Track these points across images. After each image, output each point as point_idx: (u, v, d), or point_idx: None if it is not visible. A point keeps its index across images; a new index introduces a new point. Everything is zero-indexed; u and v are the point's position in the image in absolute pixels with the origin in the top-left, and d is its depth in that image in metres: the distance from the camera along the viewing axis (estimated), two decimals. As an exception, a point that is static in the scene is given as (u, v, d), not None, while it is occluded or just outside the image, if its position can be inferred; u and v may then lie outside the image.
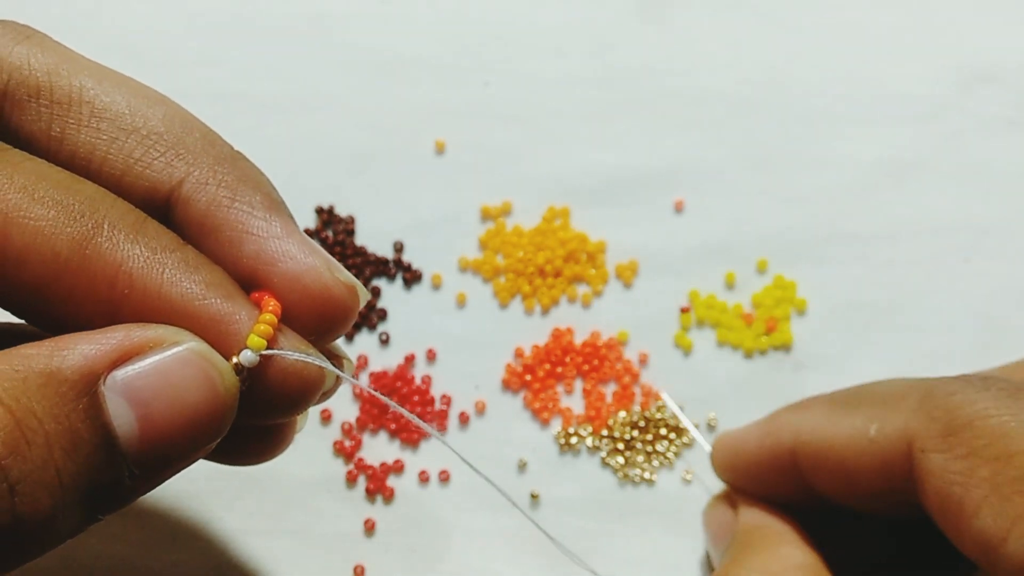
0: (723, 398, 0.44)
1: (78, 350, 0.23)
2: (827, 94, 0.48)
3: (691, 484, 0.43)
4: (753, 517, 0.35)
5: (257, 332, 0.25)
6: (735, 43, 0.49)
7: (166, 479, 0.25)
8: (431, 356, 0.45)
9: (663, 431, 0.43)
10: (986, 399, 0.27)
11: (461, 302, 0.45)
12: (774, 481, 0.35)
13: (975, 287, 0.46)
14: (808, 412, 0.33)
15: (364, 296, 0.28)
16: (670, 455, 0.43)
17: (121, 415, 0.23)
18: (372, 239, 0.46)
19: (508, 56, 0.48)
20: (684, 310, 0.45)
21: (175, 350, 0.24)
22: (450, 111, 0.47)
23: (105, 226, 0.24)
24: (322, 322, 0.27)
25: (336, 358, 0.29)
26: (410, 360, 0.44)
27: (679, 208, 0.47)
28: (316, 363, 0.26)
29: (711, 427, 0.44)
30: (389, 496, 0.43)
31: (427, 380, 0.44)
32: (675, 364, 0.45)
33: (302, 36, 0.48)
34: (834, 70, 0.48)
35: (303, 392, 0.26)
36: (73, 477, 0.22)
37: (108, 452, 0.23)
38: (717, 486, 0.41)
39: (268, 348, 0.25)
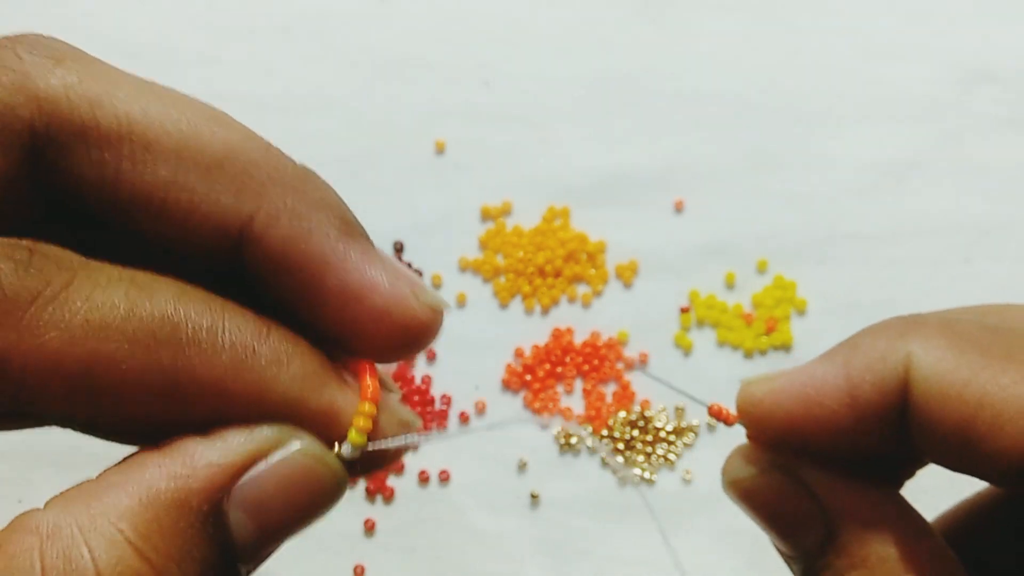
0: (723, 398, 0.44)
1: (201, 471, 0.23)
2: (827, 94, 0.48)
3: (691, 484, 0.43)
4: (889, 543, 0.25)
5: (356, 427, 0.25)
6: (735, 43, 0.49)
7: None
8: (431, 356, 0.45)
9: (663, 433, 0.43)
10: None
11: (461, 302, 0.45)
12: (855, 441, 0.25)
13: (975, 287, 0.45)
14: (927, 341, 0.25)
15: (446, 309, 0.29)
16: (671, 456, 0.43)
17: (241, 527, 0.23)
18: (372, 239, 0.46)
19: (508, 56, 0.48)
20: (684, 310, 0.45)
21: (286, 454, 0.24)
22: (450, 111, 0.47)
23: (191, 349, 0.23)
24: (407, 346, 0.27)
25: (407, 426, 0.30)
26: (410, 360, 0.44)
27: (679, 208, 0.46)
28: (412, 442, 0.26)
29: (711, 428, 0.44)
30: (389, 496, 0.43)
31: (427, 380, 0.44)
32: (675, 364, 0.45)
33: (302, 36, 0.48)
34: (834, 70, 0.48)
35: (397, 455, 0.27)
36: None
37: (229, 564, 0.23)
38: (714, 487, 0.41)
39: (369, 436, 0.25)
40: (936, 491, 0.30)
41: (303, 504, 0.24)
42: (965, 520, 0.29)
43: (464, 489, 0.43)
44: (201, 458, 0.23)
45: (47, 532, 0.21)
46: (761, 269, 0.46)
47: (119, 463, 0.23)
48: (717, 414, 0.28)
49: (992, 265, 0.46)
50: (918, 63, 0.48)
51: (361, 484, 0.43)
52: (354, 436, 0.25)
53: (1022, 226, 0.46)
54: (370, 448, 0.25)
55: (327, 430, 0.24)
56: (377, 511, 0.42)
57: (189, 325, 0.23)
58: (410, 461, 0.43)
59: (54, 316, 0.22)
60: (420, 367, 0.44)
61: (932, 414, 0.24)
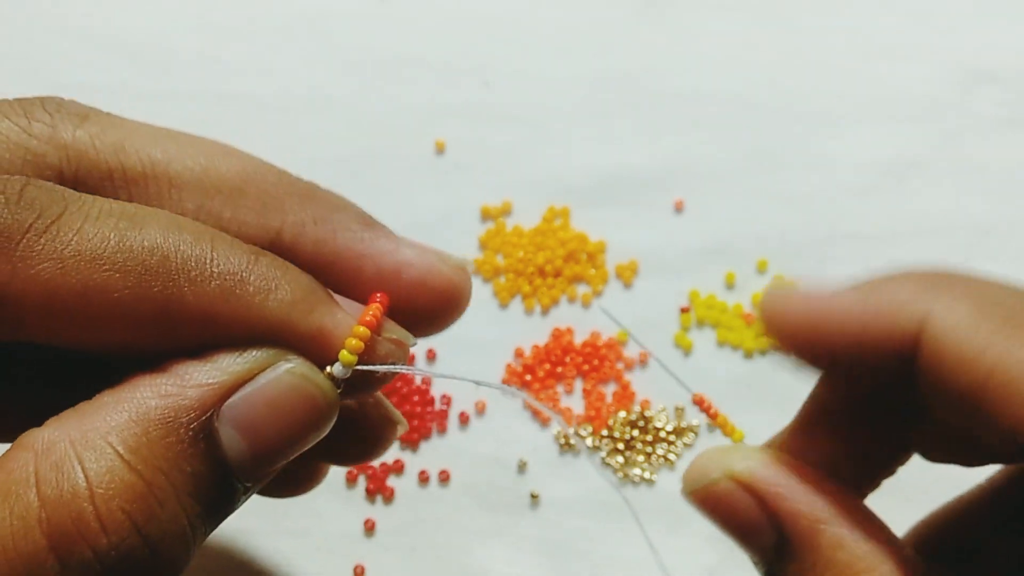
0: (723, 398, 0.44)
1: (191, 391, 0.24)
2: (827, 94, 0.48)
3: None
4: (842, 547, 0.26)
5: (348, 347, 0.25)
6: (735, 43, 0.49)
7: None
8: (431, 356, 0.45)
9: (663, 433, 0.43)
10: None
11: (461, 302, 0.45)
12: (860, 364, 0.26)
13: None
14: (951, 303, 0.25)
15: (471, 267, 0.30)
16: (671, 456, 0.43)
17: (234, 445, 0.24)
18: (372, 239, 0.46)
19: (508, 56, 0.48)
20: (684, 310, 0.45)
21: (276, 374, 0.25)
22: (450, 111, 0.47)
23: (181, 278, 0.24)
24: (449, 309, 0.29)
25: (391, 424, 0.31)
26: (410, 360, 0.44)
27: (679, 208, 0.47)
28: (402, 370, 0.27)
29: (710, 428, 0.44)
30: (389, 496, 0.43)
31: (427, 380, 0.44)
32: (675, 364, 0.45)
33: (302, 36, 0.48)
34: (834, 70, 0.48)
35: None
36: (200, 516, 0.24)
37: (225, 480, 0.24)
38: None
39: (360, 358, 0.26)
40: (930, 490, 0.30)
41: (294, 422, 0.25)
42: (954, 519, 0.29)
43: (464, 489, 0.43)
44: (191, 378, 0.24)
45: (42, 448, 0.22)
46: (761, 269, 0.46)
47: (114, 386, 0.23)
48: (699, 403, 0.30)
49: (992, 265, 0.46)
50: (918, 63, 0.48)
51: (361, 484, 0.43)
52: (345, 356, 0.25)
53: (1022, 226, 0.46)
54: (359, 368, 0.25)
55: (318, 352, 0.25)
56: (377, 511, 0.42)
57: (179, 255, 0.24)
58: (410, 461, 0.43)
59: (46, 247, 0.23)
60: (420, 367, 0.44)
61: (943, 374, 0.24)
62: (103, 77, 0.47)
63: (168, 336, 0.24)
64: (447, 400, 0.44)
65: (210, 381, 0.24)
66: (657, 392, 0.44)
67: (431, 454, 0.43)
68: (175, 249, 0.24)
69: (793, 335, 0.27)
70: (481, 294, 0.45)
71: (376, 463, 0.43)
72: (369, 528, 0.42)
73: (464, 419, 0.44)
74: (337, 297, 0.27)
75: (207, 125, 0.47)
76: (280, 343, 0.25)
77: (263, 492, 0.31)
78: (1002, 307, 0.24)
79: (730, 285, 0.46)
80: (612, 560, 0.42)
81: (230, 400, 0.24)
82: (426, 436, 0.44)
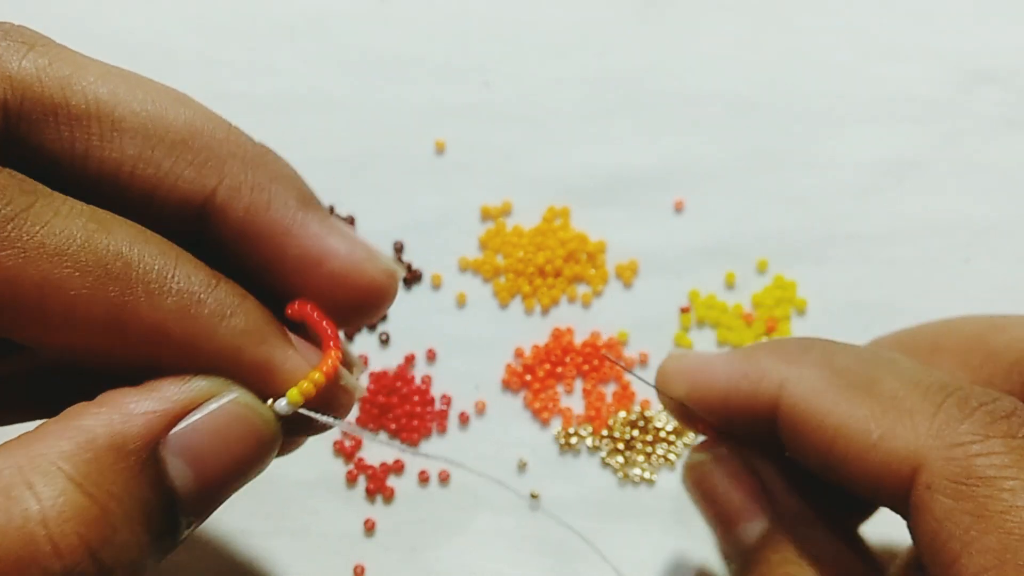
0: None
1: (137, 419, 0.23)
2: (827, 94, 0.48)
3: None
4: (787, 561, 0.29)
5: (300, 389, 0.25)
6: (735, 43, 0.49)
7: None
8: (431, 356, 0.45)
9: (663, 433, 0.43)
10: (1010, 456, 0.25)
11: (461, 302, 0.45)
12: (734, 422, 0.31)
13: (975, 287, 0.46)
14: (803, 371, 0.29)
15: (401, 274, 0.29)
16: (671, 456, 0.43)
17: (180, 474, 0.24)
18: (372, 239, 0.46)
19: (508, 56, 0.48)
20: (684, 310, 0.45)
21: (221, 403, 0.25)
22: (450, 111, 0.47)
23: (139, 287, 0.24)
24: (365, 309, 0.28)
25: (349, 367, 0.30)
26: (410, 360, 0.44)
27: (679, 208, 0.47)
28: (339, 425, 0.27)
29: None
30: (389, 496, 0.43)
31: (427, 380, 0.44)
32: (675, 364, 0.45)
33: (302, 36, 0.48)
34: (834, 70, 0.48)
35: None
36: (148, 547, 0.23)
37: (171, 511, 0.24)
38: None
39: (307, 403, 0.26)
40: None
41: (239, 452, 0.25)
42: None
43: (464, 489, 0.43)
44: (136, 406, 0.23)
45: None
46: (761, 269, 0.46)
47: (56, 417, 0.23)
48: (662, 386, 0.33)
49: (992, 265, 0.46)
50: (918, 63, 0.48)
51: (361, 484, 0.43)
52: (294, 394, 0.25)
53: (1022, 226, 0.46)
54: (301, 411, 0.25)
55: (261, 385, 0.25)
56: (377, 511, 0.42)
57: (141, 265, 0.24)
58: (410, 461, 0.43)
59: (11, 235, 0.22)
60: (420, 367, 0.44)
61: (798, 435, 0.28)
62: (103, 77, 0.47)
63: (117, 345, 0.24)
64: (447, 400, 0.44)
65: (156, 409, 0.24)
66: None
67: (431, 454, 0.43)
68: (139, 259, 0.24)
69: (679, 399, 0.32)
70: (481, 294, 0.45)
71: (376, 463, 0.43)
72: (369, 528, 0.42)
73: (464, 419, 0.44)
74: (291, 336, 0.27)
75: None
76: (225, 372, 0.25)
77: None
78: (847, 373, 0.28)
79: (730, 285, 0.46)
80: (612, 560, 0.42)
81: (176, 428, 0.24)
82: (426, 436, 0.44)
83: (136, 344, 0.24)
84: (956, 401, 0.26)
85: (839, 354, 0.29)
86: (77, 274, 0.23)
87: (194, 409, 0.24)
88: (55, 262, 0.23)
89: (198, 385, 0.24)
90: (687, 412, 0.32)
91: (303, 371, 0.26)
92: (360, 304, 0.28)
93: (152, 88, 0.27)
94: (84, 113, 0.25)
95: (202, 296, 0.24)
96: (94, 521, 0.22)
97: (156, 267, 0.24)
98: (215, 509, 0.25)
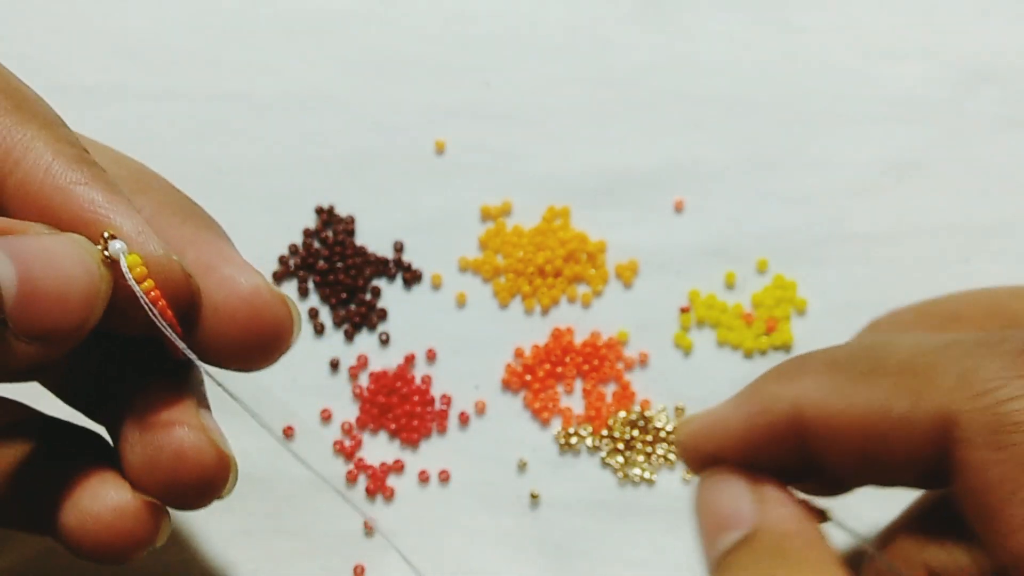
0: (723, 398, 0.44)
1: None
2: (827, 94, 0.48)
3: (691, 484, 0.43)
4: (786, 518, 0.28)
5: (139, 254, 0.25)
6: (735, 43, 0.49)
7: (47, 356, 0.25)
8: (431, 356, 0.45)
9: (663, 433, 0.43)
10: None
11: (461, 302, 0.45)
12: (768, 464, 0.30)
13: (975, 287, 0.45)
14: (808, 381, 0.28)
15: (299, 320, 0.28)
16: (671, 456, 0.43)
17: (3, 271, 0.23)
18: (372, 239, 0.46)
19: (508, 56, 0.48)
20: (684, 310, 0.45)
21: (57, 234, 0.25)
22: (450, 111, 0.47)
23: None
24: (260, 335, 0.27)
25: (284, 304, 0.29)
26: (410, 360, 0.44)
27: (679, 208, 0.47)
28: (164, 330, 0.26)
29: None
30: (389, 496, 0.43)
31: (427, 380, 0.44)
32: (675, 364, 0.45)
33: (302, 36, 0.48)
34: (834, 70, 0.48)
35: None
36: None
37: None
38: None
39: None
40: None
41: (67, 277, 0.24)
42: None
43: (464, 489, 0.43)
44: None
45: None
46: (761, 269, 0.46)
47: None
48: None
49: (992, 265, 0.46)
50: (918, 63, 0.48)
51: (361, 484, 0.43)
52: (133, 258, 0.25)
53: (1022, 226, 0.46)
54: (133, 286, 0.25)
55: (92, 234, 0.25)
56: (377, 511, 0.42)
57: (14, 89, 0.26)
58: (410, 461, 0.43)
59: None
60: (420, 367, 0.44)
61: (830, 446, 0.27)
62: (103, 77, 0.47)
63: None
64: (447, 400, 0.44)
65: None
66: (657, 392, 0.44)
67: (431, 454, 0.43)
68: (20, 87, 0.25)
69: (707, 465, 0.30)
70: (481, 294, 0.45)
71: (376, 463, 0.43)
72: (369, 528, 0.42)
73: (464, 419, 0.44)
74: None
75: (207, 125, 0.47)
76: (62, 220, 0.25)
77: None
78: (851, 366, 0.27)
79: (730, 285, 0.46)
80: (612, 560, 0.42)
81: (6, 236, 0.24)
82: (426, 436, 0.44)
83: None
84: (970, 349, 0.25)
85: (837, 353, 0.29)
86: None
87: (26, 233, 0.24)
88: None
89: (32, 225, 0.25)
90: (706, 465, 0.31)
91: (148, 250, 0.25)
92: (255, 323, 0.27)
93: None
94: None
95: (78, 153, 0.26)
96: None
97: (34, 97, 0.26)
98: (43, 345, 0.24)
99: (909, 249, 0.46)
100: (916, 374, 0.26)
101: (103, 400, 0.28)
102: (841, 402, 0.27)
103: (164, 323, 0.25)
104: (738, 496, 0.29)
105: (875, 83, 0.48)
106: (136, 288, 0.25)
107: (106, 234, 0.25)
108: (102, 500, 0.27)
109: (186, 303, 0.26)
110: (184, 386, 0.27)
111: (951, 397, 0.25)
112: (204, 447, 0.26)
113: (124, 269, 0.25)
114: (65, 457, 0.28)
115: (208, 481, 0.27)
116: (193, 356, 0.26)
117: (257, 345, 0.27)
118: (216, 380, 0.26)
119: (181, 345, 0.25)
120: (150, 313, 0.25)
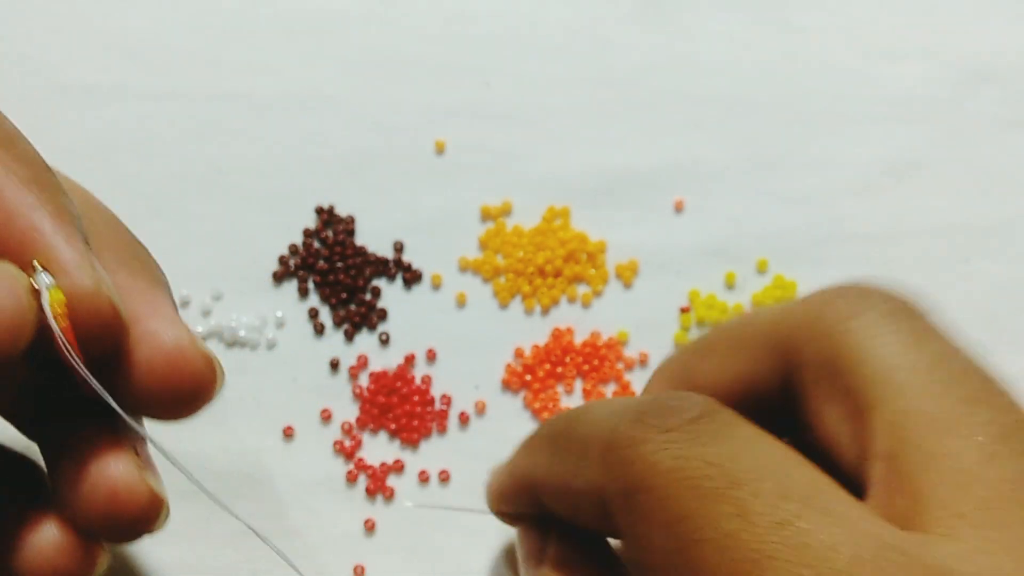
0: (723, 398, 0.44)
1: None
2: (827, 94, 0.48)
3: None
4: (562, 559, 0.32)
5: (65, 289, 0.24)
6: (735, 43, 0.49)
7: None
8: (431, 356, 0.45)
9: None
10: (664, 445, 0.24)
11: (461, 302, 0.45)
12: (530, 512, 0.34)
13: (975, 287, 0.46)
14: (536, 455, 0.32)
15: (222, 377, 0.28)
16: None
17: None
18: (372, 239, 0.46)
19: (508, 56, 0.48)
20: (684, 310, 0.45)
21: None
22: (450, 111, 0.47)
23: None
24: (177, 391, 0.26)
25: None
26: (410, 360, 0.44)
27: (679, 208, 0.47)
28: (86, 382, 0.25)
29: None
30: (389, 496, 0.43)
31: (427, 380, 0.44)
32: (675, 364, 0.45)
33: (302, 36, 0.48)
34: (834, 70, 0.48)
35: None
36: None
37: None
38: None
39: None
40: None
41: None
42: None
43: (464, 489, 0.43)
44: None
45: None
46: (761, 269, 0.46)
47: None
48: None
49: (992, 265, 0.46)
50: (918, 63, 0.48)
51: (361, 484, 0.43)
52: (55, 294, 0.24)
53: (1022, 226, 0.46)
54: (51, 323, 0.24)
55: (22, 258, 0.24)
56: (377, 511, 0.42)
57: None
58: (410, 461, 0.43)
59: None
60: (420, 367, 0.44)
61: (551, 500, 0.32)
62: (103, 77, 0.47)
63: None
64: (447, 400, 0.44)
65: None
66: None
67: (431, 454, 0.43)
68: None
69: (498, 510, 0.36)
70: (481, 294, 0.45)
71: (376, 463, 0.43)
72: (369, 528, 0.42)
73: (464, 419, 0.44)
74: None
75: (207, 125, 0.47)
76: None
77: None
78: (553, 439, 0.31)
79: (730, 285, 0.46)
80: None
81: None
82: (426, 436, 0.44)
83: None
84: (622, 421, 0.26)
85: (556, 424, 0.32)
86: None
87: None
88: None
89: None
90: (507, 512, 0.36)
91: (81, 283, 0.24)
92: (175, 372, 0.26)
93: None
94: None
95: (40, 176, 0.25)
96: None
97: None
98: None
99: (909, 249, 0.46)
100: (584, 449, 0.28)
101: (42, 420, 0.28)
102: (550, 471, 0.30)
103: (76, 359, 0.24)
104: (535, 539, 0.34)
105: (875, 83, 0.48)
106: (53, 324, 0.24)
107: (36, 263, 0.24)
108: (41, 539, 0.26)
109: (111, 341, 0.25)
110: (121, 421, 0.27)
111: (599, 470, 0.26)
112: (137, 486, 0.26)
113: (44, 303, 0.24)
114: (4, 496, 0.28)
115: (140, 519, 0.26)
116: (106, 395, 0.25)
117: (173, 400, 0.27)
118: (129, 419, 0.25)
119: (94, 383, 0.25)
120: (63, 349, 0.24)
